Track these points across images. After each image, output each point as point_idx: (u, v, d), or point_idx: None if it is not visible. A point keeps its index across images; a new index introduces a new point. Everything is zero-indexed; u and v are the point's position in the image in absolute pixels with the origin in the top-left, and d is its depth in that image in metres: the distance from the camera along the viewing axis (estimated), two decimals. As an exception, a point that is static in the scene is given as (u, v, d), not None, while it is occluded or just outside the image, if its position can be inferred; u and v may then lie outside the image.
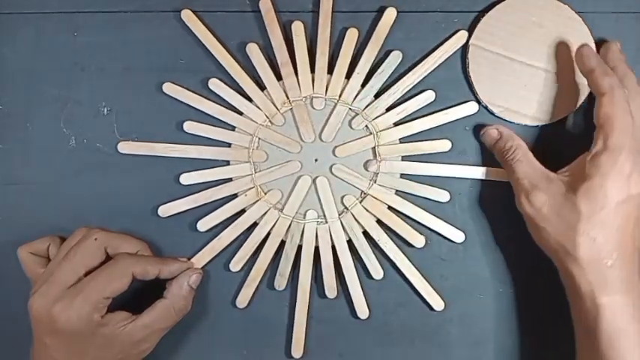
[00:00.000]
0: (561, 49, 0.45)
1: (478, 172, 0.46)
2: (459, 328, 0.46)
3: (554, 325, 0.46)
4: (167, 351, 0.47)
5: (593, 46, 0.44)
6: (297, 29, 0.45)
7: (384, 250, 0.45)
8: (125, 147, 0.46)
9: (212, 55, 0.46)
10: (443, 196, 0.46)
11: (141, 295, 0.44)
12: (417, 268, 0.46)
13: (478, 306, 0.46)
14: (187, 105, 0.46)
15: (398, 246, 0.46)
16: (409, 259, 0.45)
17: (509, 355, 0.46)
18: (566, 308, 0.46)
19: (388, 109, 0.46)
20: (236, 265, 0.46)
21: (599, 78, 0.41)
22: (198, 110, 0.46)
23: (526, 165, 0.42)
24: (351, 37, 0.45)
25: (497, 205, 0.46)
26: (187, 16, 0.46)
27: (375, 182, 0.45)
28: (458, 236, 0.46)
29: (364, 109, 0.45)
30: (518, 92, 0.45)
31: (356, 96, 0.45)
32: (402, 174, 0.46)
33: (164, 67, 0.47)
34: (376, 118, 0.46)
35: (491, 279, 0.46)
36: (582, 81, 0.44)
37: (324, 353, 0.47)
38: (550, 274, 0.46)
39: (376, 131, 0.45)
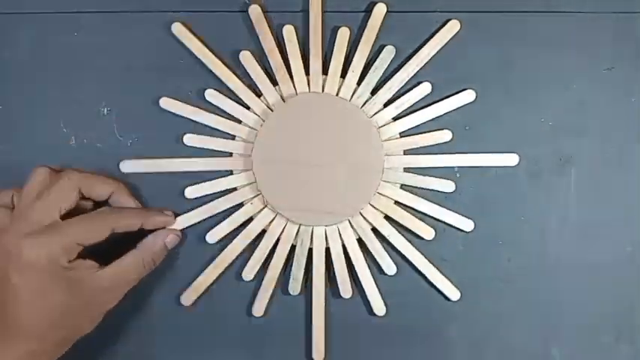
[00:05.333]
0: (343, 141, 0.45)
1: (483, 160, 0.46)
2: (458, 328, 0.46)
3: (555, 325, 0.46)
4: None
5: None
6: (289, 34, 0.45)
7: (395, 245, 0.46)
8: (127, 166, 0.46)
9: (212, 55, 0.46)
10: (448, 186, 0.46)
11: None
12: (428, 260, 0.46)
13: (479, 306, 0.46)
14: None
15: (408, 240, 0.46)
16: (420, 252, 0.46)
17: (510, 354, 0.46)
18: (568, 307, 0.47)
19: (386, 105, 0.46)
20: (248, 273, 0.46)
21: None
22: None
23: None
24: (343, 36, 0.45)
25: (500, 202, 0.46)
26: (178, 29, 0.45)
27: (380, 179, 0.45)
28: (467, 225, 0.46)
29: (362, 105, 0.45)
30: (311, 193, 0.45)
31: (353, 94, 0.45)
32: (405, 168, 0.46)
33: (164, 67, 0.46)
34: (375, 114, 0.46)
35: (492, 278, 0.46)
36: (376, 167, 0.45)
37: (326, 352, 0.47)
38: (551, 273, 0.46)
39: (376, 127, 0.45)
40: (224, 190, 0.46)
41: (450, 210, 0.46)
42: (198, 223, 0.46)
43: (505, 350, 0.46)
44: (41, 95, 0.47)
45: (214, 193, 0.46)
